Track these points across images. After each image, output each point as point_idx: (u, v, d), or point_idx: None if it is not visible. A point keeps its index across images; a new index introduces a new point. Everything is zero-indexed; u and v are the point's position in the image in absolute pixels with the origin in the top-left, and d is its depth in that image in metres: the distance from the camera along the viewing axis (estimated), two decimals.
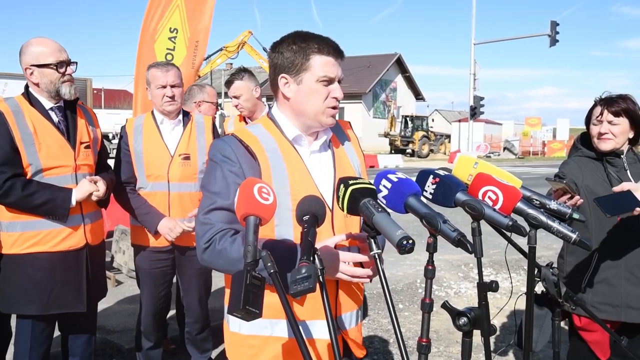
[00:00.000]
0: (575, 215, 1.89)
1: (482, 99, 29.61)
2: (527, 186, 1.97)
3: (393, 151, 37.93)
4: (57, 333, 3.11)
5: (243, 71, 4.11)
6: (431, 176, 1.80)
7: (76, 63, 2.90)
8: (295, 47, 1.81)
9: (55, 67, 2.77)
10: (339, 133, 2.01)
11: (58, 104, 2.88)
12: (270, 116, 1.93)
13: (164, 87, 3.34)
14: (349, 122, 2.12)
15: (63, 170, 2.80)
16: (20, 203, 2.70)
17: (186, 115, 3.52)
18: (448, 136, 42.63)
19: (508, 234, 1.75)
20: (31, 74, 2.78)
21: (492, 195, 1.80)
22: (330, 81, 1.82)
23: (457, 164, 2.00)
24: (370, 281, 1.80)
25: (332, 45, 1.83)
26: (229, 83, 4.07)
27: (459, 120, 40.15)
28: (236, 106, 4.10)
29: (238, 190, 1.53)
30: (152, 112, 3.48)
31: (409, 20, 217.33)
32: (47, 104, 2.85)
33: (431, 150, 39.79)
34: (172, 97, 3.36)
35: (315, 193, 1.76)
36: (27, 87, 2.86)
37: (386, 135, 39.88)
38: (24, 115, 2.75)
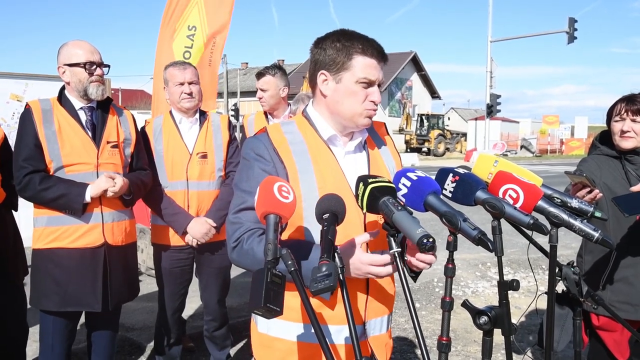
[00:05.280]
0: (597, 214, 1.87)
1: (498, 96, 29.38)
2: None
3: (409, 150, 37.79)
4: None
5: (277, 68, 4.13)
6: (451, 174, 1.79)
7: (108, 66, 2.98)
8: (339, 45, 1.76)
9: (84, 67, 2.85)
10: (374, 135, 1.97)
11: (90, 104, 2.95)
12: (305, 115, 1.89)
13: (182, 84, 3.38)
14: (384, 124, 2.07)
15: (84, 167, 2.86)
16: (36, 197, 2.79)
17: (202, 114, 3.55)
18: (464, 134, 42.34)
19: (529, 232, 1.74)
20: (63, 72, 2.90)
21: (512, 194, 1.78)
22: (370, 84, 1.76)
23: (477, 162, 1.99)
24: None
25: (377, 48, 1.77)
26: (260, 75, 4.07)
27: (476, 119, 39.88)
28: (260, 99, 4.08)
29: (258, 189, 1.53)
30: (171, 111, 3.51)
31: (425, 18, 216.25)
32: (78, 103, 2.93)
33: (447, 149, 39.57)
34: (190, 94, 3.40)
35: (348, 193, 1.72)
36: (62, 88, 2.96)
37: (401, 130, 39.71)
38: (52, 113, 2.86)
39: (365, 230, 1.78)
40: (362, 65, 1.74)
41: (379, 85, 1.79)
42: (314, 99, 1.89)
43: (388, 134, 2.04)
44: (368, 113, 1.78)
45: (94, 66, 2.88)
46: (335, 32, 1.82)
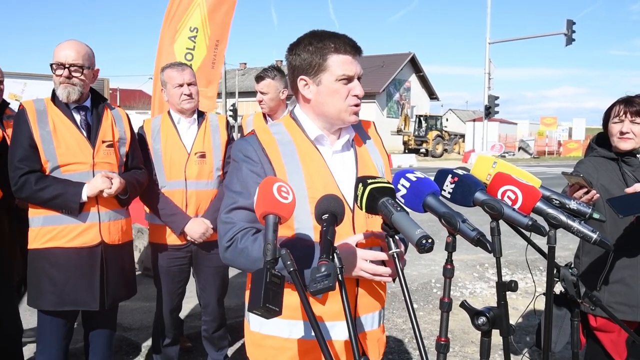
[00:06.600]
0: (596, 215, 1.88)
1: (496, 98, 29.44)
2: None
3: (407, 151, 37.83)
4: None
5: (276, 70, 4.12)
6: (450, 175, 1.79)
7: (89, 68, 2.89)
8: (311, 48, 1.78)
9: (52, 68, 2.84)
10: (362, 133, 1.99)
11: (84, 104, 2.94)
12: (292, 116, 1.92)
13: (181, 85, 3.38)
14: (373, 122, 2.09)
15: (80, 167, 2.85)
16: (33, 197, 2.78)
17: (201, 114, 3.56)
18: (462, 136, 42.42)
19: (527, 233, 1.74)
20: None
21: (511, 195, 1.79)
22: (349, 79, 1.79)
23: (476, 164, 1.99)
24: (394, 281, 1.77)
25: (349, 43, 1.80)
26: (259, 78, 4.07)
27: (474, 120, 39.97)
28: (260, 102, 4.10)
29: (257, 189, 1.54)
30: (169, 112, 3.52)
31: (424, 19, 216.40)
32: (71, 103, 2.91)
33: (445, 150, 39.63)
34: (190, 95, 3.40)
35: (336, 193, 1.74)
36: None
37: (399, 131, 39.77)
38: (47, 113, 2.84)
39: (353, 229, 1.80)
40: (338, 63, 1.77)
41: (359, 79, 1.82)
42: (298, 103, 1.91)
43: (377, 132, 2.06)
44: (353, 109, 1.81)
45: (62, 68, 2.82)
46: (306, 35, 1.84)
